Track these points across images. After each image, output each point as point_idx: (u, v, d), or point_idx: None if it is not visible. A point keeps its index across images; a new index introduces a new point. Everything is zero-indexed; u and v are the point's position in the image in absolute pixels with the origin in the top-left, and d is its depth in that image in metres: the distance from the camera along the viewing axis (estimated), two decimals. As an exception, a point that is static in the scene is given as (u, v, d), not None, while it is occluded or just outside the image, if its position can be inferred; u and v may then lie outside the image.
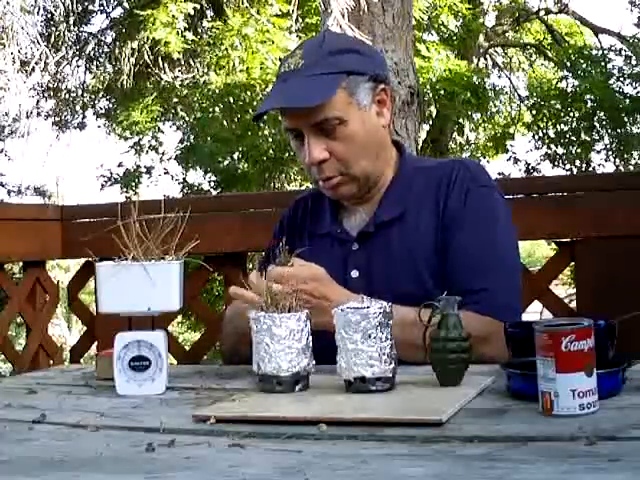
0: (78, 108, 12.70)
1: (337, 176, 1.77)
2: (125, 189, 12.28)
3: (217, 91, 9.43)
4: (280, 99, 1.74)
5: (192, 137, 11.62)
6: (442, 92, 10.06)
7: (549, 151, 12.72)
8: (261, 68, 9.15)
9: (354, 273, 1.79)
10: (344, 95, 1.72)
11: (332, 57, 1.73)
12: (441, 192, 1.78)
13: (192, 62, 10.62)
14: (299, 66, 1.72)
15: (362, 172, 1.78)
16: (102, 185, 12.46)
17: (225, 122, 10.32)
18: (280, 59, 9.12)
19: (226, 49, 9.55)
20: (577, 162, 12.56)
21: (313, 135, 1.73)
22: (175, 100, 11.13)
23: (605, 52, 12.37)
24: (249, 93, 9.33)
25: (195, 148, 10.94)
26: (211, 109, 10.12)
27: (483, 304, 1.66)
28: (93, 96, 12.70)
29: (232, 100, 9.51)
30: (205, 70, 9.91)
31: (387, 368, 1.37)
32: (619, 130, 11.92)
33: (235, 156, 11.45)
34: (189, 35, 9.98)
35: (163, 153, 12.50)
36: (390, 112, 1.82)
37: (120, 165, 12.58)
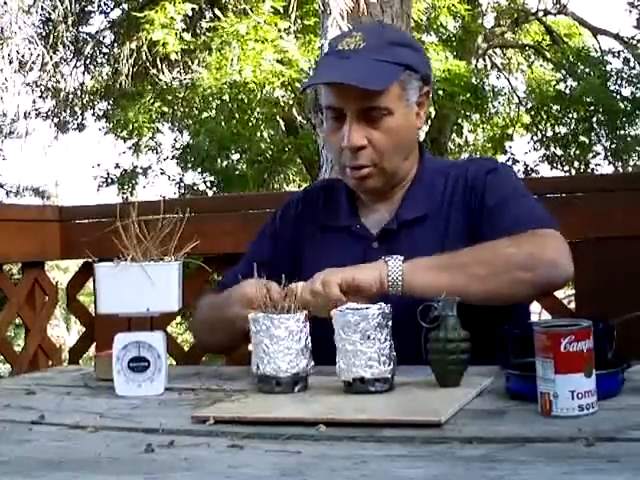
0: (77, 109, 12.70)
1: (369, 167, 1.75)
2: (123, 189, 12.30)
3: (212, 88, 9.41)
4: (340, 74, 1.70)
5: (189, 137, 11.64)
6: (441, 93, 10.06)
7: (548, 152, 12.74)
8: (256, 68, 9.14)
9: None
10: (398, 88, 1.72)
11: (393, 47, 1.73)
12: (461, 190, 1.78)
13: (190, 63, 10.61)
14: (360, 47, 1.70)
15: (392, 167, 1.77)
16: (99, 186, 12.48)
17: (222, 121, 10.33)
18: (278, 60, 9.13)
19: (220, 49, 9.55)
20: (575, 163, 12.58)
21: (357, 120, 1.71)
22: (173, 101, 11.14)
23: (604, 54, 12.38)
24: (246, 93, 9.32)
25: (193, 148, 10.96)
26: (208, 108, 10.12)
27: (524, 226, 1.65)
28: (92, 97, 12.71)
29: (229, 99, 9.50)
30: (203, 70, 9.90)
31: (386, 369, 1.37)
32: (617, 132, 11.93)
33: (233, 157, 11.46)
34: (187, 36, 9.98)
35: (160, 153, 12.52)
36: (425, 115, 1.82)
37: (117, 166, 12.60)
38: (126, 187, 12.48)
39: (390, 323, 1.39)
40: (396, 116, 1.73)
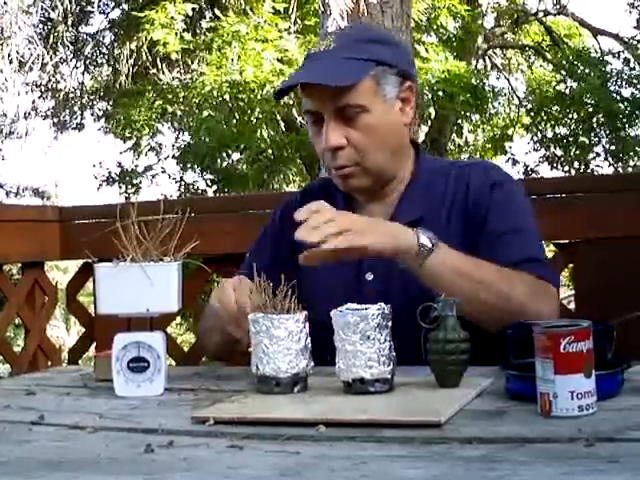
0: (76, 109, 12.70)
1: (351, 166, 1.73)
2: (124, 188, 12.31)
3: (211, 84, 9.41)
4: (307, 75, 1.71)
5: (190, 136, 11.64)
6: (441, 93, 10.07)
7: (548, 153, 12.75)
8: (257, 68, 9.15)
9: (369, 276, 1.76)
10: (371, 84, 1.70)
11: (364, 44, 1.72)
12: (463, 198, 1.76)
13: (190, 62, 10.62)
14: (330, 48, 1.70)
15: (377, 166, 1.75)
16: (100, 184, 12.50)
17: (222, 121, 10.33)
18: (279, 59, 9.14)
19: (220, 49, 9.55)
20: (575, 164, 12.58)
21: (333, 120, 1.70)
22: (173, 100, 11.14)
23: (604, 54, 12.38)
24: (246, 93, 9.33)
25: (193, 147, 10.96)
26: (207, 106, 10.13)
27: (531, 270, 1.65)
28: (92, 97, 12.71)
29: (229, 98, 9.50)
30: (204, 68, 9.90)
31: (386, 369, 1.37)
32: (617, 133, 11.93)
33: (233, 156, 11.46)
34: (187, 36, 9.99)
35: (160, 153, 12.53)
36: (413, 111, 1.79)
37: (119, 165, 12.61)
38: (128, 186, 12.50)
39: (390, 323, 1.39)
40: (373, 113, 1.71)
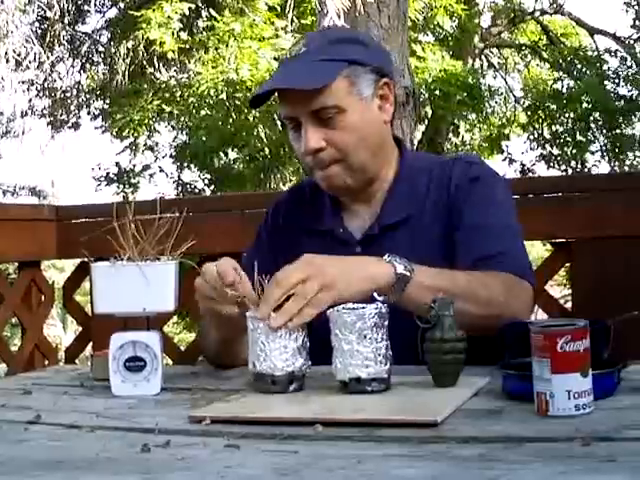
0: (73, 108, 12.69)
1: (332, 165, 1.72)
2: (122, 187, 12.30)
3: (207, 82, 9.40)
4: (279, 81, 1.71)
5: (187, 135, 11.63)
6: (437, 92, 10.08)
7: (544, 152, 12.76)
8: (253, 66, 9.14)
9: None
10: (345, 84, 1.69)
11: (335, 45, 1.71)
12: (445, 195, 1.75)
13: (187, 61, 10.61)
14: (300, 52, 1.70)
15: (359, 164, 1.73)
16: (98, 183, 12.50)
17: (219, 120, 10.33)
18: (275, 58, 9.13)
19: (217, 47, 9.55)
20: (572, 163, 12.60)
21: (311, 124, 1.69)
22: (170, 99, 11.14)
23: (600, 53, 12.40)
24: (243, 91, 9.32)
25: (190, 146, 10.95)
26: (204, 105, 10.12)
27: (505, 264, 1.64)
28: (88, 96, 12.70)
29: (225, 97, 9.50)
30: (200, 66, 9.90)
31: (383, 369, 1.37)
32: (614, 131, 11.95)
33: (230, 155, 11.46)
34: (184, 35, 9.99)
35: (158, 152, 12.52)
36: (393, 108, 1.78)
37: (117, 164, 12.61)
38: (126, 186, 12.50)
39: (387, 323, 1.39)
40: (350, 112, 1.69)
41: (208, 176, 12.13)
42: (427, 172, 1.80)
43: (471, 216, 1.72)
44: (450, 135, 13.13)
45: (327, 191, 1.81)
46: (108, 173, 12.67)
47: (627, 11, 13.12)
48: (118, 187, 12.60)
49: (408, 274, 1.50)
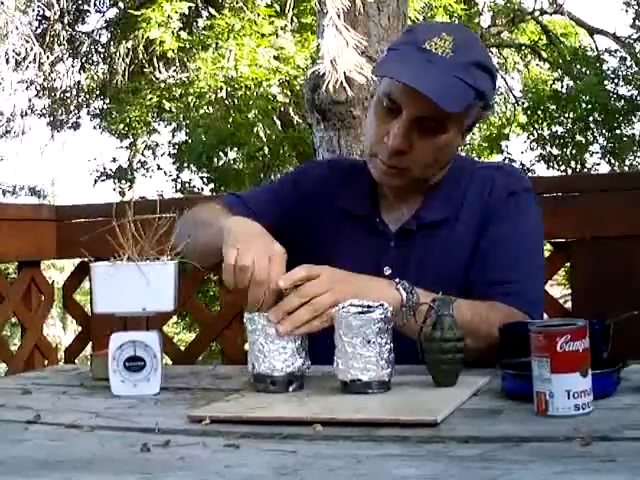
0: (72, 107, 12.68)
1: (401, 169, 1.70)
2: (119, 183, 12.30)
3: (207, 80, 9.40)
4: (422, 81, 1.60)
5: (186, 134, 11.63)
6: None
7: (544, 152, 12.76)
8: (252, 64, 9.13)
9: (387, 270, 1.73)
10: (462, 111, 1.66)
11: (477, 70, 1.66)
12: (483, 203, 1.75)
13: (187, 60, 10.61)
14: (447, 56, 1.63)
15: (423, 176, 1.74)
16: (95, 180, 12.50)
17: (218, 119, 10.33)
18: (275, 57, 9.11)
19: (216, 44, 9.54)
20: (572, 163, 12.60)
21: (410, 123, 1.65)
22: (169, 98, 11.14)
23: (600, 53, 12.39)
24: (242, 90, 9.32)
25: (189, 144, 10.94)
26: (204, 103, 10.12)
27: (516, 297, 1.64)
28: (88, 96, 12.70)
29: (225, 95, 9.50)
30: (199, 64, 9.89)
31: (384, 372, 1.36)
32: (613, 131, 11.95)
33: (230, 154, 11.45)
34: (184, 34, 9.98)
35: (156, 151, 12.52)
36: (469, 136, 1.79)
37: (114, 160, 12.62)
38: (123, 181, 12.51)
39: (391, 325, 1.39)
40: (448, 134, 1.69)
41: (207, 175, 12.13)
42: (470, 171, 1.81)
43: (501, 229, 1.72)
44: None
45: (379, 182, 1.79)
46: (105, 169, 12.69)
47: (627, 11, 13.14)
48: (114, 182, 12.61)
49: (414, 304, 1.50)
